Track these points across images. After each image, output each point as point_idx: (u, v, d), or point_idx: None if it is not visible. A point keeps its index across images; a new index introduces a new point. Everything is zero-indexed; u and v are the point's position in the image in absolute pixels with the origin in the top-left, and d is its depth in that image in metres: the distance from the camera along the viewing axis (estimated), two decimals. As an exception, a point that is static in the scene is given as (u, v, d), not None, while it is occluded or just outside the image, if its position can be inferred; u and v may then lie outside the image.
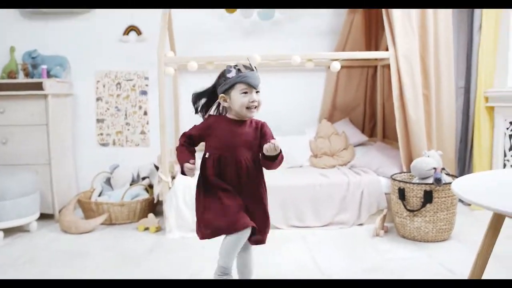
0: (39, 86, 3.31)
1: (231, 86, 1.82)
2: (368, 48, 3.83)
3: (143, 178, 3.59)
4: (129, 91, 3.83)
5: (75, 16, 3.74)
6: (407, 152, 3.18)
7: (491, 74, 3.41)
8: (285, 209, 3.06)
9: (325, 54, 3.61)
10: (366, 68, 3.93)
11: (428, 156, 2.87)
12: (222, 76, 1.86)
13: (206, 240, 1.88)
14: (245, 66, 1.83)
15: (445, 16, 3.22)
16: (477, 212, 3.32)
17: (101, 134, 3.86)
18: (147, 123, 3.86)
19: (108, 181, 3.61)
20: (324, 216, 3.08)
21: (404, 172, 3.13)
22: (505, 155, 3.35)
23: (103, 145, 3.86)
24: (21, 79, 3.55)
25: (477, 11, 3.39)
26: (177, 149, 1.90)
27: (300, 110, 3.91)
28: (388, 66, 3.22)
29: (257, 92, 1.84)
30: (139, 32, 3.76)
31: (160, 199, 3.13)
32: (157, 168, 3.52)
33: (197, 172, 1.88)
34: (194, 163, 1.84)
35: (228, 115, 1.90)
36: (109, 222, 3.25)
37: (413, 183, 2.79)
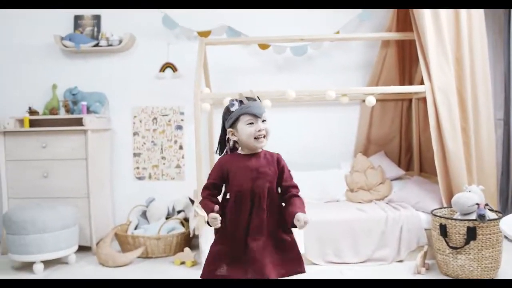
0: (79, 122, 3.45)
1: (237, 119, 1.83)
2: (402, 80, 3.82)
3: (179, 212, 3.62)
4: (165, 126, 3.92)
5: (113, 54, 3.89)
6: (446, 186, 3.10)
7: (531, 105, 3.35)
8: (322, 244, 3.00)
9: (361, 89, 3.60)
10: (401, 101, 3.89)
11: (470, 191, 2.79)
12: (227, 111, 1.87)
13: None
14: (247, 98, 1.85)
15: (481, 47, 3.19)
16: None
17: (138, 168, 3.93)
18: (182, 157, 3.91)
19: (144, 214, 3.65)
20: (362, 252, 3.01)
21: (445, 208, 3.04)
22: (550, 189, 3.23)
23: (139, 178, 3.93)
24: (63, 115, 3.69)
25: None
26: (201, 203, 1.89)
27: (335, 144, 3.89)
28: (424, 99, 3.19)
29: (263, 121, 1.84)
30: (174, 69, 3.87)
31: (196, 233, 3.13)
32: (192, 201, 3.54)
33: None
34: (218, 211, 1.80)
35: (239, 152, 1.91)
36: (145, 256, 3.27)
37: (456, 219, 2.71)
